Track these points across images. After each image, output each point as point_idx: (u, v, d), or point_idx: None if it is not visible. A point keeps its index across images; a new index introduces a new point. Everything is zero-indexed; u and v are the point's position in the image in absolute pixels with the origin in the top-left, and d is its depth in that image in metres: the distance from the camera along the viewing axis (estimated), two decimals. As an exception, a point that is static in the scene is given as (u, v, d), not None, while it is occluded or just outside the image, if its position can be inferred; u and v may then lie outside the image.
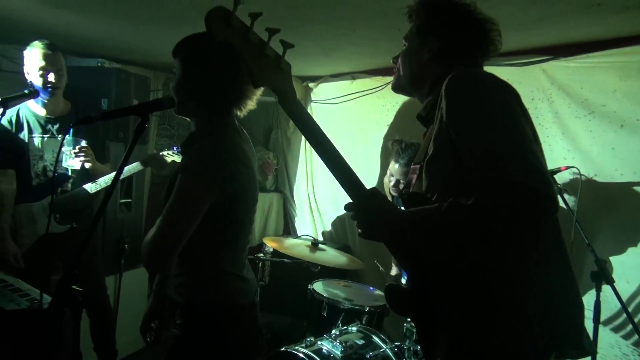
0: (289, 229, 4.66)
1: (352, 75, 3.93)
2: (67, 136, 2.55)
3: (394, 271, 3.05)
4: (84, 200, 2.63)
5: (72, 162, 2.55)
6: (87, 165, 2.55)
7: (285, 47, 1.23)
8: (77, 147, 2.54)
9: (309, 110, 4.19)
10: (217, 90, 1.49)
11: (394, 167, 2.72)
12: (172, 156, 2.63)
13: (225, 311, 1.54)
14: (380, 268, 2.97)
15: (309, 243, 2.93)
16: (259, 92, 1.55)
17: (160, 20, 2.67)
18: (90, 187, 2.56)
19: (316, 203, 4.37)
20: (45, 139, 2.60)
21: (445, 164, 1.16)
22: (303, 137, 4.41)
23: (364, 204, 1.17)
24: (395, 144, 2.71)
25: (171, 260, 1.41)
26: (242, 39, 1.17)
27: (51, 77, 2.48)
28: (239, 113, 1.58)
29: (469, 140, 1.09)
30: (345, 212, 1.21)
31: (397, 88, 1.44)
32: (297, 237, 4.05)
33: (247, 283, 1.61)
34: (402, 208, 1.27)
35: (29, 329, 1.74)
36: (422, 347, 1.31)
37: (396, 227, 1.13)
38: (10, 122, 2.55)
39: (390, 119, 3.73)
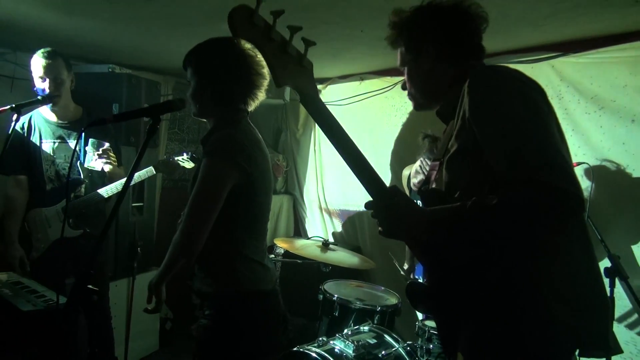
0: (299, 231, 4.67)
1: (361, 76, 3.93)
2: (90, 138, 2.57)
3: (406, 265, 3.05)
4: (97, 205, 2.64)
5: (94, 163, 2.55)
6: (107, 168, 2.55)
7: (307, 45, 1.22)
8: (100, 149, 2.54)
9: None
10: (227, 86, 1.62)
11: (425, 162, 2.65)
12: (183, 162, 2.63)
13: (252, 297, 1.62)
14: (394, 261, 2.96)
15: (320, 244, 2.94)
16: (266, 81, 1.66)
17: (170, 27, 2.70)
18: (104, 191, 2.56)
19: (326, 204, 4.38)
20: (57, 144, 2.62)
21: (467, 161, 1.14)
22: (312, 139, 4.46)
23: (386, 202, 1.16)
24: (428, 138, 2.66)
25: (203, 240, 1.50)
26: (265, 38, 1.14)
27: (45, 85, 2.48)
28: (251, 104, 1.70)
29: (495, 139, 1.06)
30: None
31: (419, 108, 1.42)
32: (308, 238, 4.06)
33: (269, 271, 1.70)
34: (419, 203, 1.26)
35: (46, 329, 1.76)
36: (442, 343, 1.30)
37: (419, 226, 1.13)
38: (22, 128, 2.58)
39: (399, 119, 3.73)
